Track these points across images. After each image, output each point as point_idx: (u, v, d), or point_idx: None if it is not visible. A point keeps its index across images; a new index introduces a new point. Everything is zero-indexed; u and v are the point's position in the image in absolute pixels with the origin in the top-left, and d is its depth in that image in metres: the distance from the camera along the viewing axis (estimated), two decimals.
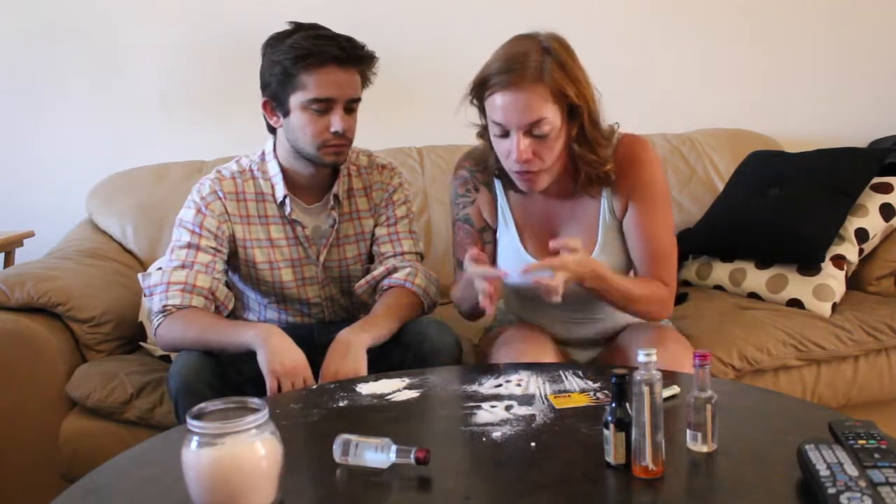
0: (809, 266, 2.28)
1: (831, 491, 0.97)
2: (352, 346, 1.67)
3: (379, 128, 2.78)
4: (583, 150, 1.62)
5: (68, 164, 2.81)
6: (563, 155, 1.63)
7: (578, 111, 1.58)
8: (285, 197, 1.83)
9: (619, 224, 1.73)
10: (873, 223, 2.35)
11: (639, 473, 1.11)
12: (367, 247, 1.94)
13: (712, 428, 1.17)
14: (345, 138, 1.76)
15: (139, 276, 1.87)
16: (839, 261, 2.29)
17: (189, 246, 1.79)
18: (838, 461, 1.03)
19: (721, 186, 2.67)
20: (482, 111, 1.65)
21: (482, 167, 1.77)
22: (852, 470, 1.01)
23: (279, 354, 1.62)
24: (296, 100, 1.72)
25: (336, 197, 1.86)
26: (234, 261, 1.88)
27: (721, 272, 2.45)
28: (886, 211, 2.35)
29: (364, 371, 1.65)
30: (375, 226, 1.93)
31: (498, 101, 1.55)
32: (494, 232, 1.81)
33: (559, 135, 1.58)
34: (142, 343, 2.20)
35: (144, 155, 2.71)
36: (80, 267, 2.28)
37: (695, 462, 1.18)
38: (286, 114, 1.75)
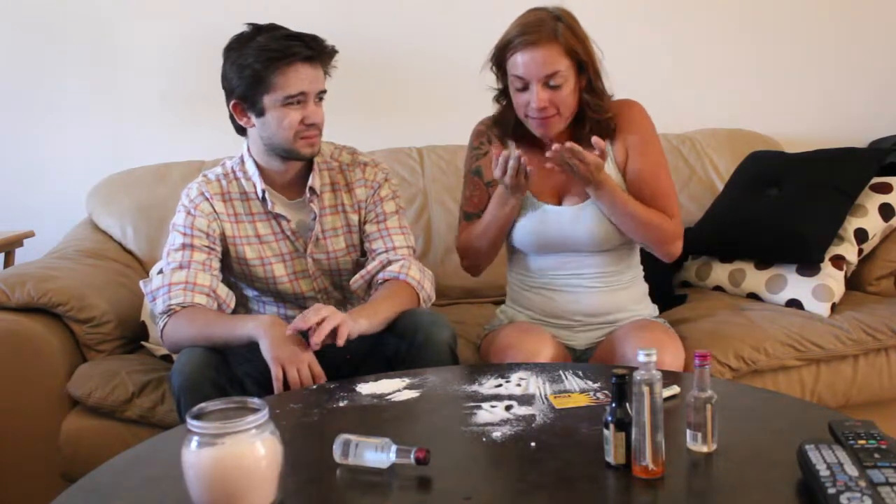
0: (809, 266, 2.28)
1: (831, 491, 0.97)
2: (349, 318, 1.69)
3: (379, 128, 2.80)
4: (591, 98, 1.84)
5: (68, 164, 2.81)
6: (573, 105, 1.83)
7: (586, 66, 1.81)
8: (264, 192, 1.86)
9: (622, 178, 1.89)
10: (873, 223, 2.34)
11: (639, 473, 1.12)
12: (354, 239, 1.95)
13: (712, 428, 1.17)
14: (317, 128, 1.82)
15: (140, 282, 1.91)
16: (838, 261, 2.29)
17: (184, 247, 1.83)
18: (838, 461, 1.03)
19: (721, 186, 2.66)
20: (500, 75, 1.87)
21: (500, 127, 1.94)
22: (852, 470, 1.01)
23: (280, 342, 1.65)
24: (270, 99, 1.76)
25: (312, 189, 1.88)
26: (227, 260, 1.90)
27: (720, 272, 2.45)
28: (886, 211, 2.35)
29: (346, 332, 1.65)
30: (365, 223, 1.94)
31: (519, 60, 1.78)
32: None
33: (572, 87, 1.80)
34: (143, 342, 2.21)
35: (144, 155, 2.71)
36: (80, 267, 2.28)
37: (695, 462, 1.18)
38: (259, 114, 1.79)
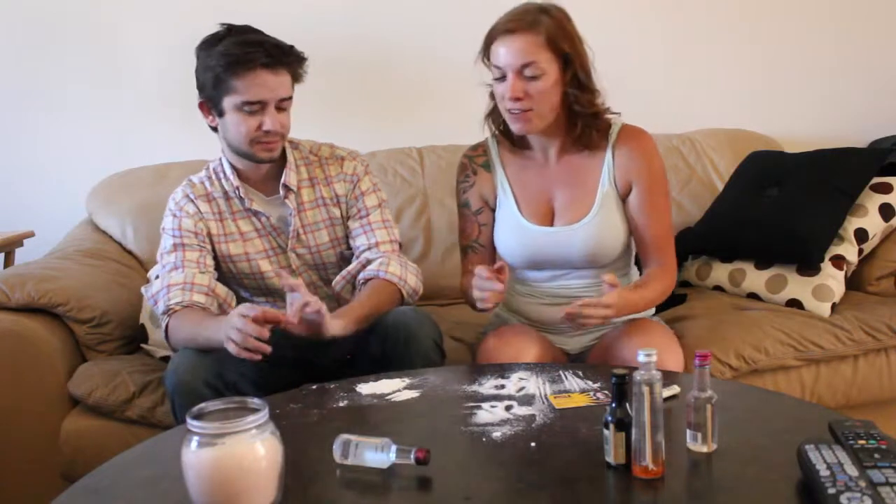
0: (809, 266, 2.28)
1: (831, 491, 0.97)
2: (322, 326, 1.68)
3: (379, 128, 2.80)
4: (576, 92, 1.76)
5: (68, 164, 2.80)
6: (559, 107, 1.77)
7: (571, 59, 1.74)
8: (238, 189, 1.88)
9: (617, 194, 1.84)
10: (873, 223, 2.34)
11: (639, 473, 1.12)
12: (338, 232, 1.95)
13: (712, 428, 1.18)
14: (276, 135, 1.82)
15: (142, 289, 1.94)
16: (839, 261, 2.29)
17: (175, 248, 1.85)
18: (838, 461, 1.03)
19: (721, 186, 2.66)
20: (490, 67, 1.80)
21: (494, 122, 1.91)
22: (852, 470, 1.01)
23: (225, 325, 1.59)
24: (229, 102, 1.79)
25: (286, 187, 1.89)
26: (216, 262, 1.91)
27: (720, 272, 2.45)
28: (886, 211, 2.35)
29: (330, 331, 1.65)
30: (348, 218, 1.95)
31: (499, 49, 1.75)
32: (493, 211, 1.92)
33: (552, 81, 1.74)
34: (142, 345, 2.21)
35: (144, 155, 2.71)
36: (81, 267, 2.28)
37: (695, 462, 1.18)
38: (220, 114, 1.82)
